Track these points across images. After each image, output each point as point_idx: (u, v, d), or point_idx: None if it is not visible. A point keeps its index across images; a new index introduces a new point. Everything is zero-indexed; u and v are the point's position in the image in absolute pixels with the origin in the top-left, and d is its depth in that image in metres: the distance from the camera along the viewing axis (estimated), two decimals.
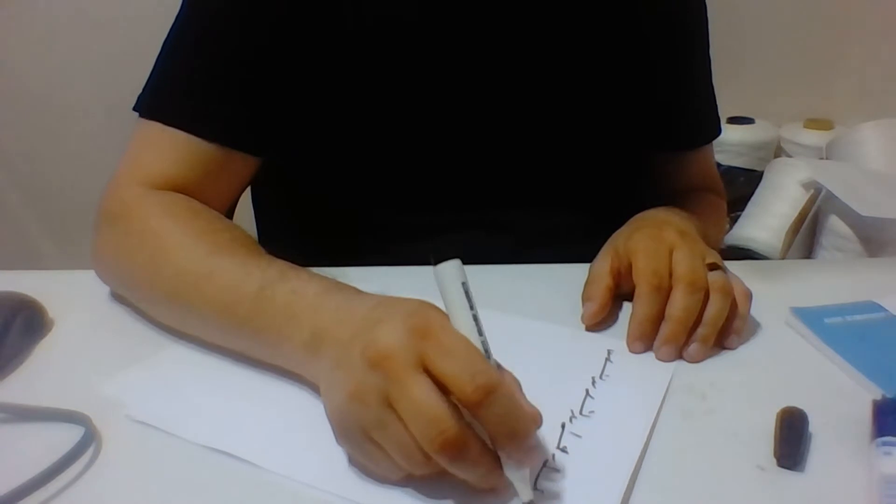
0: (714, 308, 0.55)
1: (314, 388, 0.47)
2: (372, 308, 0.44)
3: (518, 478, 0.40)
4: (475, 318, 0.41)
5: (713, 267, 0.57)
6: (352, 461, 0.43)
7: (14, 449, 0.45)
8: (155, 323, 0.58)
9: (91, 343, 0.57)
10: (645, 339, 0.55)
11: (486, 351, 0.41)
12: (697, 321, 0.55)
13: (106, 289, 0.62)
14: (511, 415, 0.39)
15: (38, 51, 1.64)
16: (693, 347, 0.54)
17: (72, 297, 0.62)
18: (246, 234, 0.59)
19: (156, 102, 0.63)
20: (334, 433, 0.43)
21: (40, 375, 0.53)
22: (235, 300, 0.51)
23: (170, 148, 0.61)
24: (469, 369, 0.38)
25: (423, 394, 0.38)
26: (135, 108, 0.64)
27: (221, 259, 0.54)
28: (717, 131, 0.86)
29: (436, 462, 0.38)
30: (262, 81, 0.63)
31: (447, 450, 0.37)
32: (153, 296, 0.57)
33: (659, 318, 0.55)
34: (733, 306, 0.56)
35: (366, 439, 0.40)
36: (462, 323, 0.41)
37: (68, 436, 0.44)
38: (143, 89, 0.64)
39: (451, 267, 0.41)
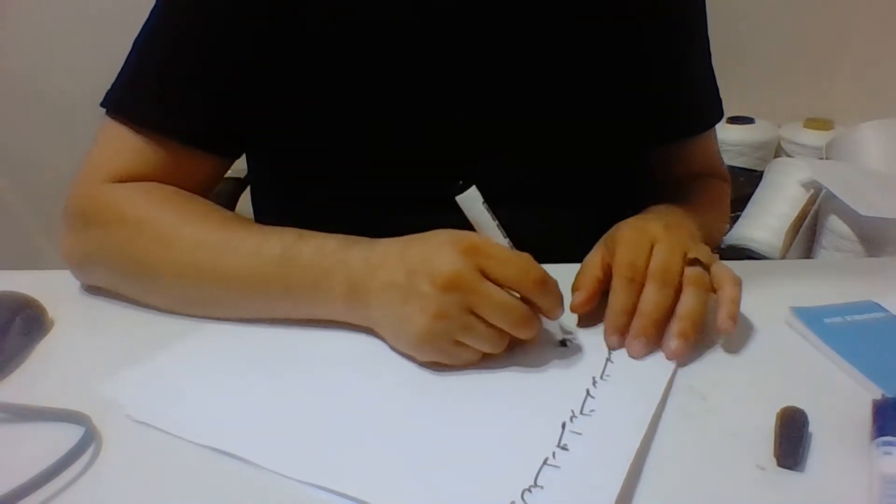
0: (687, 302, 0.54)
1: (365, 331, 0.55)
2: (403, 248, 0.52)
3: (552, 326, 0.55)
4: (499, 227, 0.53)
5: (693, 262, 0.56)
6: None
7: (14, 449, 0.45)
8: (154, 322, 0.58)
9: (91, 343, 0.57)
10: (619, 332, 0.55)
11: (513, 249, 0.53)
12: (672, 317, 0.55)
13: (111, 290, 0.62)
14: (553, 290, 0.52)
15: (39, 51, 1.64)
16: (674, 343, 0.53)
17: (72, 297, 0.62)
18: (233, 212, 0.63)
19: (121, 99, 0.64)
20: (417, 351, 0.52)
21: (40, 375, 0.53)
22: (261, 263, 0.55)
23: (134, 146, 0.63)
24: (522, 269, 0.51)
25: (499, 295, 0.50)
26: (102, 105, 0.64)
27: (233, 230, 0.58)
28: (719, 115, 0.85)
29: (506, 339, 0.51)
30: (230, 85, 0.64)
31: (527, 324, 0.51)
32: (154, 279, 0.58)
33: (633, 311, 0.55)
34: (722, 292, 0.55)
35: (452, 345, 0.50)
36: (492, 234, 0.53)
37: (68, 436, 0.44)
38: (111, 87, 0.65)
39: (472, 194, 0.52)
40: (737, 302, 0.55)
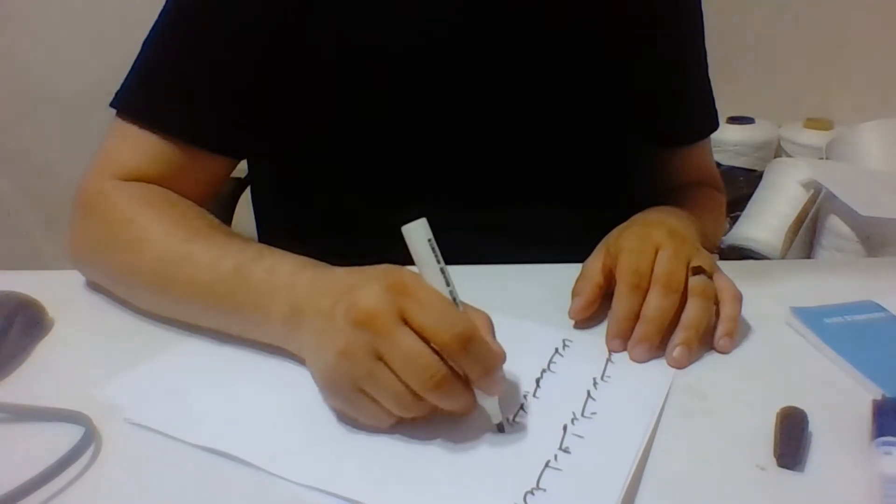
0: (691, 312, 0.55)
1: (300, 361, 0.51)
2: (344, 276, 0.49)
3: (489, 405, 0.46)
4: (443, 271, 0.45)
5: (698, 271, 0.56)
6: (341, 418, 0.46)
7: (14, 449, 0.45)
8: (154, 323, 0.58)
9: (91, 343, 0.57)
10: (622, 338, 0.55)
11: (455, 300, 0.45)
12: (676, 324, 0.55)
13: (106, 289, 0.62)
14: (483, 356, 0.43)
15: (39, 50, 1.64)
16: (677, 351, 0.54)
17: (72, 297, 0.62)
18: (220, 221, 0.62)
19: (132, 100, 0.64)
20: (324, 393, 0.47)
21: (40, 375, 0.53)
22: (213, 280, 0.53)
23: (143, 145, 0.63)
24: (446, 320, 0.42)
25: (410, 344, 0.42)
26: (112, 105, 0.64)
27: (198, 243, 0.57)
28: (714, 125, 0.85)
29: (422, 404, 0.43)
30: (238, 86, 0.64)
31: (440, 389, 0.42)
32: (132, 282, 0.58)
33: (636, 317, 0.55)
34: (723, 309, 0.56)
35: (356, 392, 0.44)
36: (432, 276, 0.44)
37: (68, 436, 0.44)
38: (121, 86, 0.65)
39: (417, 226, 0.44)
40: (736, 320, 0.56)
